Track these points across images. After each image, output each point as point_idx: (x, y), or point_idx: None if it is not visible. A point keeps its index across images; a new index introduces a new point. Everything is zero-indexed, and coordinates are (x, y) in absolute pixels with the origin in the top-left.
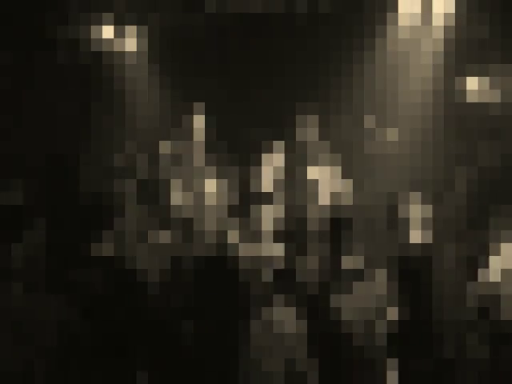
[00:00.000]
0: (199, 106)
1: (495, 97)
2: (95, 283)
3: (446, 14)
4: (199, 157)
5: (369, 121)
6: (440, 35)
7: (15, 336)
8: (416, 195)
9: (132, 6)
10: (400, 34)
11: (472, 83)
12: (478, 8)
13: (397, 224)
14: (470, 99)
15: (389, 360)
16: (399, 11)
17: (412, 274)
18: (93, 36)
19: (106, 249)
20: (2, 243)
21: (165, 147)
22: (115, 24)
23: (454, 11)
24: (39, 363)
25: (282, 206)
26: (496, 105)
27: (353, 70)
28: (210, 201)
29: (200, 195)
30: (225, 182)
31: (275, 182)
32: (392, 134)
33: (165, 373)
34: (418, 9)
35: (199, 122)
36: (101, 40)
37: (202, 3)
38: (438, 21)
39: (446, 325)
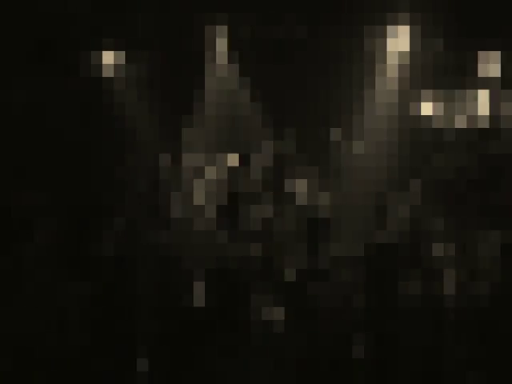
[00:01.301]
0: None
1: (449, 122)
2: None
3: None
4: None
5: (335, 133)
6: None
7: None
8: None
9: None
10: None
11: (427, 109)
12: (432, 34)
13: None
14: (424, 125)
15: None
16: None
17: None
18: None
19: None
20: None
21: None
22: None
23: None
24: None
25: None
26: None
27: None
28: (199, 201)
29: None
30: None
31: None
32: (358, 147)
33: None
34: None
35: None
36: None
37: None
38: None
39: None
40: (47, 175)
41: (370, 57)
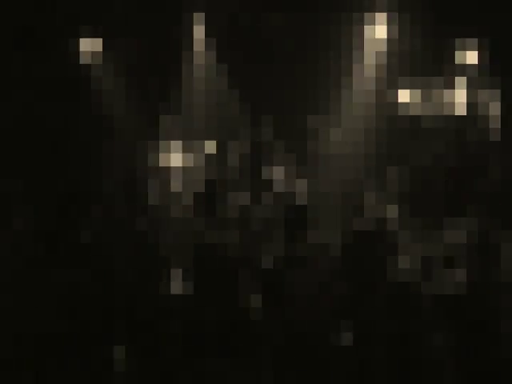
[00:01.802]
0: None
1: (427, 109)
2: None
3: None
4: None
5: (312, 121)
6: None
7: None
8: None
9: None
10: None
11: (404, 96)
12: (409, 21)
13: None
14: (401, 112)
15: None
16: None
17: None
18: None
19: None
20: None
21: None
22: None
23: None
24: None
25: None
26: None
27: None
28: (176, 188)
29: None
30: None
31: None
32: (335, 134)
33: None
34: None
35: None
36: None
37: None
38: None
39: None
40: (24, 162)
41: (347, 44)
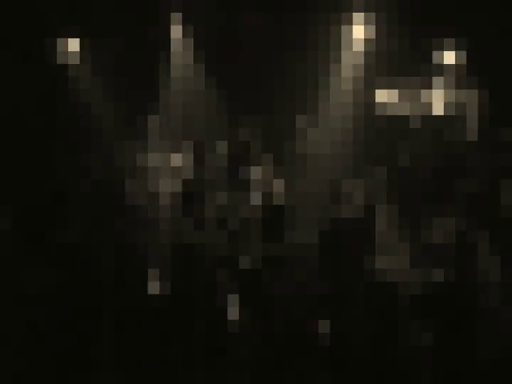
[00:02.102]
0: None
1: (404, 109)
2: None
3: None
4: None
5: (290, 121)
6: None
7: None
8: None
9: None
10: None
11: (381, 96)
12: (387, 21)
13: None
14: (378, 112)
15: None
16: None
17: None
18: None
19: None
20: None
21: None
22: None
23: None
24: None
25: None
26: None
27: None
28: (154, 188)
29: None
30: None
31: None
32: (313, 134)
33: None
34: None
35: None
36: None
37: None
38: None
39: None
40: (1, 162)
41: (325, 44)
